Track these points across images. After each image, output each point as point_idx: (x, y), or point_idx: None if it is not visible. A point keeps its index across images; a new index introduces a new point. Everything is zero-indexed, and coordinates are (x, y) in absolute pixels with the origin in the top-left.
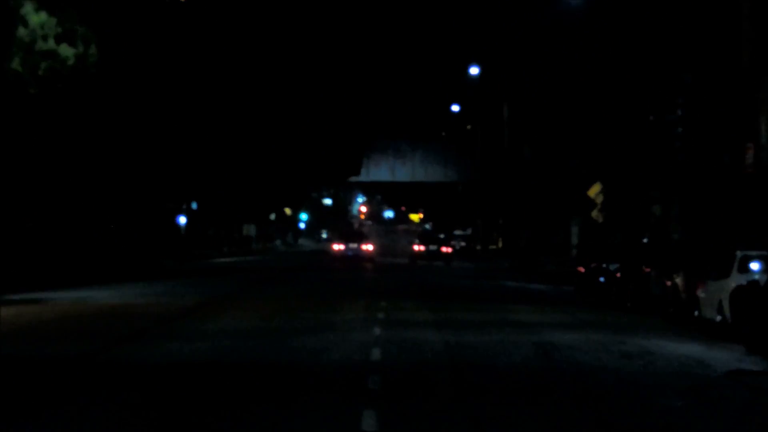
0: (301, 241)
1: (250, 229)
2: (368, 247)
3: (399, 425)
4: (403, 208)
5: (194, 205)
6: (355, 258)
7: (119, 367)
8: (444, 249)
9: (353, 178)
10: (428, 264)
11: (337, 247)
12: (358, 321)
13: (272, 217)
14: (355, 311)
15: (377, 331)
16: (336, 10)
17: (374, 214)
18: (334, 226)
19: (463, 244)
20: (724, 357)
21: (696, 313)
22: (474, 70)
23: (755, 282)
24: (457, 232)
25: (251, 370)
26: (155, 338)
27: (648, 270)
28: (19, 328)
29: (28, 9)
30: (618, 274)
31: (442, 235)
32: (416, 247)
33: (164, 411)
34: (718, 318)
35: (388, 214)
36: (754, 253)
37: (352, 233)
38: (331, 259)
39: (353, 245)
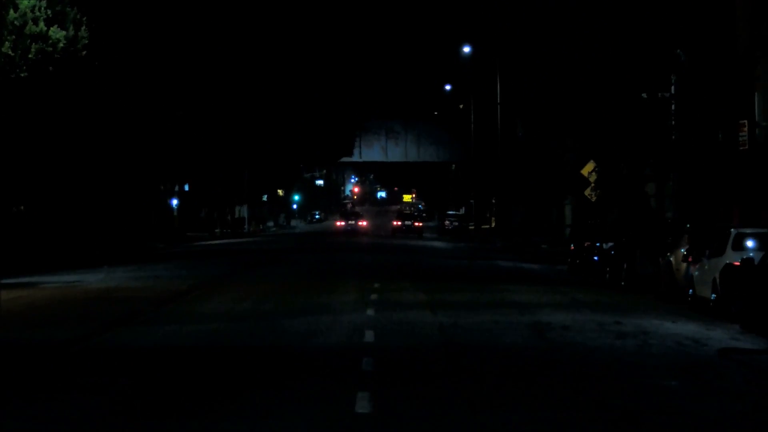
0: (294, 222)
1: (242, 211)
2: (363, 223)
3: (393, 407)
4: (396, 189)
5: (186, 187)
6: (352, 231)
7: (110, 351)
8: (416, 224)
9: (345, 159)
10: (416, 244)
11: (340, 223)
12: (351, 303)
13: (264, 198)
14: (348, 293)
15: (371, 312)
16: None
17: (367, 195)
18: (328, 207)
19: (456, 223)
20: (719, 336)
21: (690, 291)
22: (466, 49)
23: (749, 260)
24: (451, 212)
25: (244, 354)
26: (147, 322)
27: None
28: (10, 313)
29: None
30: (612, 253)
31: (416, 213)
32: (395, 223)
33: (156, 396)
34: (713, 296)
35: (381, 194)
36: (748, 230)
37: (350, 213)
38: (333, 233)
39: (351, 222)
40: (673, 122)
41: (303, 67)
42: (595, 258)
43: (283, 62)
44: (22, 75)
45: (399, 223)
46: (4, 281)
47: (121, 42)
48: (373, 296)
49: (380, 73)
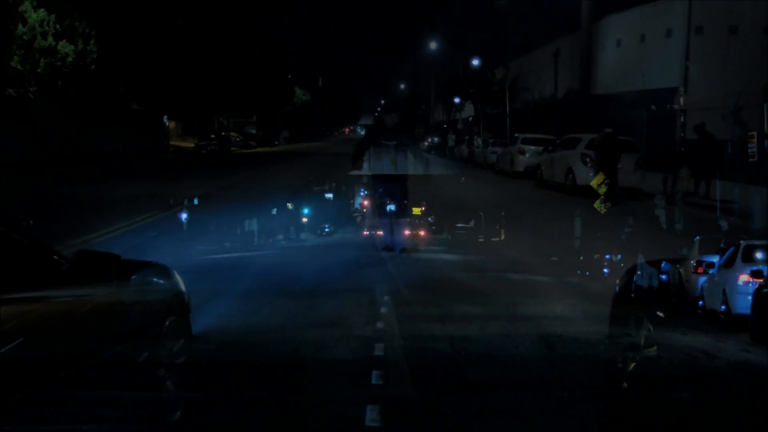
0: (303, 235)
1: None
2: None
3: (403, 420)
4: (406, 201)
5: (195, 201)
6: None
7: (119, 365)
8: (420, 232)
9: (355, 172)
10: (425, 257)
11: (365, 233)
12: (360, 315)
13: (274, 212)
14: (357, 306)
15: (380, 325)
16: (341, 8)
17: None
18: (338, 220)
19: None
20: (730, 348)
21: (701, 303)
22: (475, 62)
23: (758, 272)
24: (460, 224)
25: (251, 367)
26: (156, 336)
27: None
28: (21, 329)
29: (27, 6)
30: (622, 265)
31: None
32: (406, 232)
33: (161, 410)
34: (722, 308)
35: (390, 207)
36: (757, 242)
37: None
38: (343, 245)
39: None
40: (683, 134)
41: (313, 78)
42: (605, 270)
43: (293, 74)
44: (31, 89)
45: (409, 232)
46: (13, 295)
47: (130, 56)
48: (383, 309)
49: (392, 87)
